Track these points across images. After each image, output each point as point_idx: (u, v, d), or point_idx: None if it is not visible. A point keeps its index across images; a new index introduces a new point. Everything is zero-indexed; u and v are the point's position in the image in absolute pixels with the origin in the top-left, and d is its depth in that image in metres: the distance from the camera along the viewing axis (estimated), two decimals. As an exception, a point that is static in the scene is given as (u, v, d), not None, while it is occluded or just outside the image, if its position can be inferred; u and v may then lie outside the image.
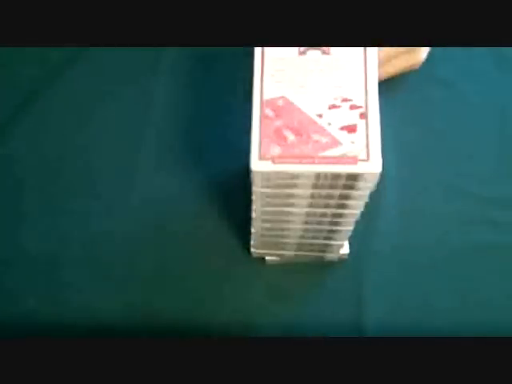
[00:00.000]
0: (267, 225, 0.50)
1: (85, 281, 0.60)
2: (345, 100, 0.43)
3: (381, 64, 0.47)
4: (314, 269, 0.59)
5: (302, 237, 0.53)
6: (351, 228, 0.50)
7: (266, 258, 0.58)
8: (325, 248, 0.55)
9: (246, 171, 0.42)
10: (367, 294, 0.59)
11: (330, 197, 0.45)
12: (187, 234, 0.61)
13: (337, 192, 0.44)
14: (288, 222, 0.50)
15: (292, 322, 0.58)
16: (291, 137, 0.42)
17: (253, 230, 0.53)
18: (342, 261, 0.59)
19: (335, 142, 0.42)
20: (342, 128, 0.42)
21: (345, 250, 0.58)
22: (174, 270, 0.60)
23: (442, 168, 0.63)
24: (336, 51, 0.45)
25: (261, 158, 0.42)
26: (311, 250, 0.56)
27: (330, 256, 0.58)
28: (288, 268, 0.59)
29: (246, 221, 0.60)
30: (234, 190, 0.61)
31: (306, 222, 0.50)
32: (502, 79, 0.66)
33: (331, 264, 0.59)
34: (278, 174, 0.42)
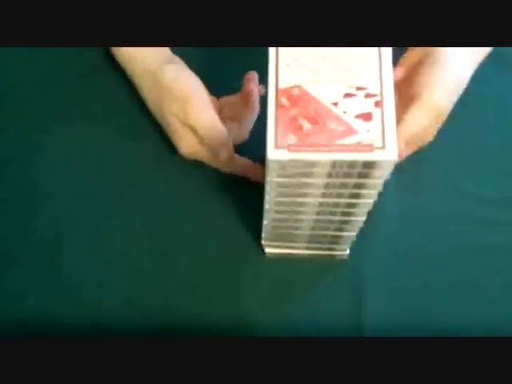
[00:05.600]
0: (280, 216, 0.51)
1: (85, 280, 0.60)
2: (360, 88, 0.43)
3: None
4: (314, 269, 0.59)
5: (314, 228, 0.53)
6: (363, 219, 0.50)
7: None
8: (336, 240, 0.55)
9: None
10: (367, 294, 0.59)
11: (344, 186, 0.45)
12: (187, 231, 0.61)
13: (351, 181, 0.44)
14: (301, 212, 0.50)
15: (292, 322, 0.58)
16: (307, 125, 0.43)
17: (265, 222, 0.53)
18: (342, 261, 0.59)
19: (351, 130, 0.42)
20: (358, 116, 0.42)
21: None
22: (173, 269, 0.60)
23: (442, 168, 0.63)
24: None
25: (277, 146, 0.42)
26: (322, 242, 0.56)
27: (338, 253, 0.58)
28: (288, 268, 0.59)
29: (249, 219, 0.60)
30: (236, 187, 0.61)
31: (319, 213, 0.50)
32: (502, 79, 0.67)
33: (331, 264, 0.59)
34: (293, 162, 0.42)
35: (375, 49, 0.44)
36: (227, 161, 0.57)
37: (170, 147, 0.62)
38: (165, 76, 0.59)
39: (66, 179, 0.63)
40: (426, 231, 0.61)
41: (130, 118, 0.65)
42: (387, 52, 0.44)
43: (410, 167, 0.61)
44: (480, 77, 0.63)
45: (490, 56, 0.64)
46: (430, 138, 0.58)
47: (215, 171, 0.60)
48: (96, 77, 0.67)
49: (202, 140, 0.57)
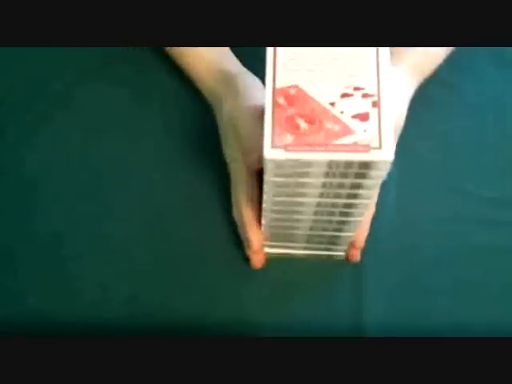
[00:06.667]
0: (278, 216, 0.51)
1: (85, 280, 0.60)
2: (357, 89, 0.43)
3: None
4: (314, 269, 0.59)
5: (312, 228, 0.53)
6: (361, 219, 0.50)
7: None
8: (334, 240, 0.55)
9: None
10: (367, 294, 0.59)
11: (341, 186, 0.45)
12: (187, 232, 0.61)
13: (348, 181, 0.44)
14: (299, 212, 0.50)
15: (292, 322, 0.58)
16: (304, 125, 0.43)
17: (263, 222, 0.53)
18: (341, 261, 0.59)
19: (348, 130, 0.42)
20: (355, 116, 0.43)
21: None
22: (173, 269, 0.60)
23: (442, 168, 0.63)
24: None
25: (273, 146, 0.42)
26: (321, 243, 0.56)
27: (337, 254, 0.58)
28: (288, 268, 0.59)
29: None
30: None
31: (317, 213, 0.50)
32: (502, 79, 0.67)
33: (331, 264, 0.59)
34: (290, 161, 0.42)
35: (373, 49, 0.45)
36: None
37: (171, 147, 0.63)
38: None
39: (66, 179, 0.63)
40: (426, 231, 0.61)
41: (130, 119, 0.65)
42: (385, 52, 0.45)
43: (411, 166, 0.62)
44: (480, 77, 0.64)
45: (489, 56, 0.64)
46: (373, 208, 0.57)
47: (216, 171, 0.61)
48: (96, 78, 0.67)
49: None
